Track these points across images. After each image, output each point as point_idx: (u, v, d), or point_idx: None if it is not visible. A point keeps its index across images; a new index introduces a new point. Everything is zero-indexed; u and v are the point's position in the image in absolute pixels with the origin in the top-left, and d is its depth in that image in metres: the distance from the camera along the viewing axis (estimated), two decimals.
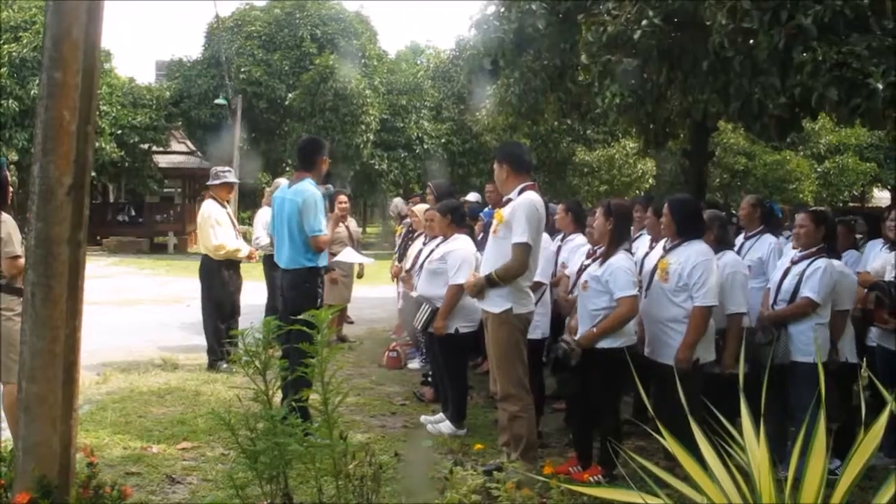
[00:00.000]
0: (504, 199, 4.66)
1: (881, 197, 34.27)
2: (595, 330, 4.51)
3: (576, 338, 4.63)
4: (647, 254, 5.18)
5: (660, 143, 9.99)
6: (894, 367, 5.06)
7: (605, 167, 25.67)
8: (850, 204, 30.44)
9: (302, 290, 5.18)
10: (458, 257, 5.45)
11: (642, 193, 24.31)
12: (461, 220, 5.78)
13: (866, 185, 30.69)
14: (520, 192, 4.53)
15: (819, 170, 28.11)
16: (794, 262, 4.98)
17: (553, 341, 5.60)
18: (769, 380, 4.73)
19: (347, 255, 7.97)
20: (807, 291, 4.77)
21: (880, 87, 5.63)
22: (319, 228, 5.15)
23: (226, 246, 7.49)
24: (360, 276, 9.22)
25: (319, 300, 5.20)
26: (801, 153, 27.82)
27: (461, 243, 5.58)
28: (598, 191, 25.39)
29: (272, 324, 3.48)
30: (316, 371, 3.29)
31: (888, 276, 5.21)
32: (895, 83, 5.63)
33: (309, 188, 5.22)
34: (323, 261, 5.36)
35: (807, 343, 4.67)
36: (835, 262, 4.96)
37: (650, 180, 26.07)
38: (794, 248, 5.09)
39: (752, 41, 6.55)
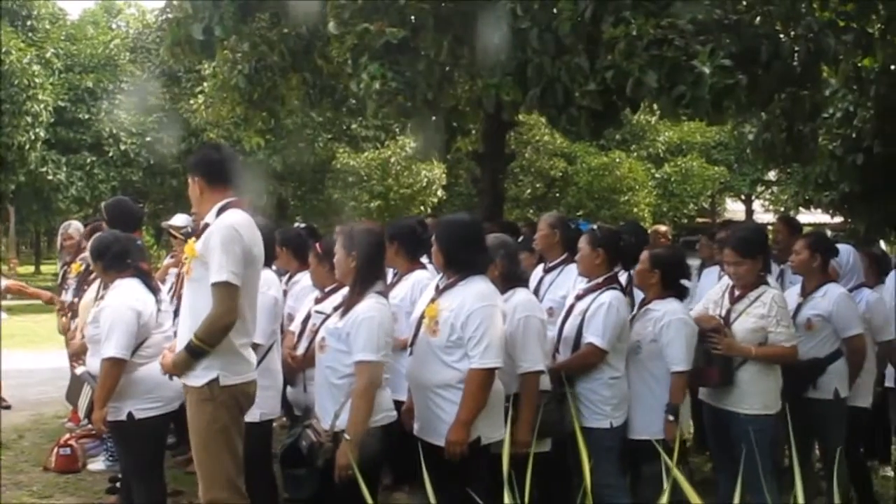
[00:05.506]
0: (202, 224, 4.67)
1: (735, 209, 37.46)
2: (347, 416, 4.50)
3: (325, 427, 4.63)
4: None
5: (443, 142, 10.49)
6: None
7: (377, 175, 26.23)
8: (699, 219, 33.28)
9: None
10: (107, 318, 5.29)
11: (429, 210, 25.11)
12: (118, 261, 5.56)
13: (716, 193, 33.70)
14: (218, 213, 4.56)
15: (658, 176, 30.39)
16: (578, 298, 5.45)
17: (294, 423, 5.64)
18: (562, 459, 5.04)
19: None
20: (590, 336, 5.21)
21: (707, 70, 6.34)
22: None
23: None
24: None
25: None
26: (635, 154, 30.11)
27: (115, 297, 5.44)
28: (367, 207, 25.85)
29: None
30: None
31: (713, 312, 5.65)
32: (724, 67, 6.37)
33: None
34: None
35: (599, 403, 5.21)
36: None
37: (439, 192, 26.95)
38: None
39: (553, 9, 7.15)
